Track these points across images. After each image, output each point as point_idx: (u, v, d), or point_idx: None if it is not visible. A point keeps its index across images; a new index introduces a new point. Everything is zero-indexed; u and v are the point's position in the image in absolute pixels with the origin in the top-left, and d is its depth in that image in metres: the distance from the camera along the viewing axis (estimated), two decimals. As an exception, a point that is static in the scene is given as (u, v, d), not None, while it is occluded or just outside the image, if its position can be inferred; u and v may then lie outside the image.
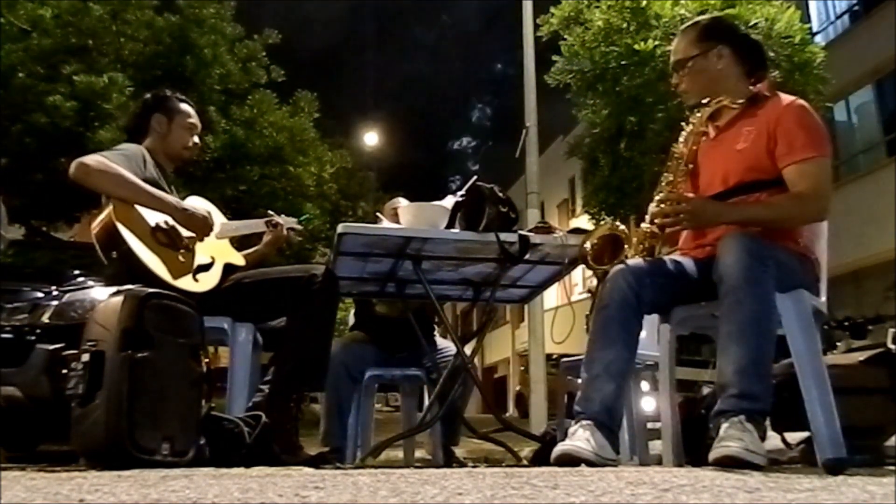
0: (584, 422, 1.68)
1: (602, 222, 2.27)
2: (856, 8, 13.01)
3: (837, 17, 13.29)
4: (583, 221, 13.30)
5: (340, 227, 2.22)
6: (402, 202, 3.36)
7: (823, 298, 1.91)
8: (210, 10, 9.11)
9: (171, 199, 2.25)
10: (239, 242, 2.61)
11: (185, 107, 2.54)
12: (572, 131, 15.54)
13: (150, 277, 2.01)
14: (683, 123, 2.05)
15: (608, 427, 1.68)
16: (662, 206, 1.86)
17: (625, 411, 1.90)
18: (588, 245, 1.90)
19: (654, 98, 8.11)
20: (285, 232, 2.66)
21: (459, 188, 2.41)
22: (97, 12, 7.96)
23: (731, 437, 1.47)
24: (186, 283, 2.15)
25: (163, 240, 2.17)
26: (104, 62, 7.91)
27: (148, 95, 2.59)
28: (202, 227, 2.27)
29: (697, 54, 2.04)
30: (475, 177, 2.30)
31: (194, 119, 2.55)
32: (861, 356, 2.75)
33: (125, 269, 2.06)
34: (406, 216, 2.32)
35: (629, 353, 1.78)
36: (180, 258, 2.20)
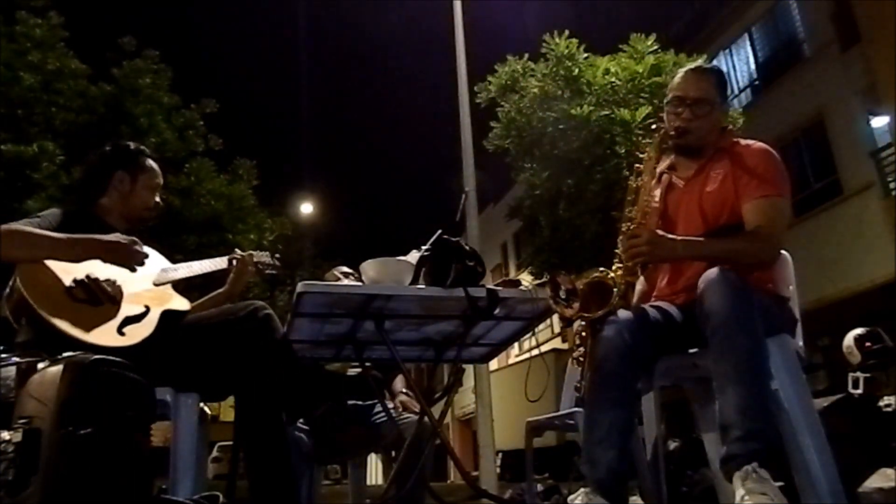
0: (588, 489, 1.63)
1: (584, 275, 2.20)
2: (756, 83, 14.04)
3: (741, 91, 14.26)
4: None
5: (300, 287, 2.10)
6: (343, 269, 3.27)
7: (801, 342, 1.91)
8: (146, 79, 9.03)
9: (86, 236, 2.03)
10: (202, 286, 2.44)
11: (150, 163, 2.38)
12: (507, 194, 15.90)
13: (61, 338, 1.82)
14: (637, 165, 2.06)
15: (615, 491, 1.63)
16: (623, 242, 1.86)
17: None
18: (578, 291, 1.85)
19: (591, 160, 8.39)
20: (252, 267, 2.50)
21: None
22: (27, 82, 7.75)
23: (753, 493, 1.41)
24: (108, 338, 1.95)
25: (80, 296, 1.98)
26: (34, 131, 7.65)
27: (108, 147, 2.41)
28: (129, 254, 2.06)
29: (718, 102, 2.08)
30: (440, 231, 2.24)
31: (160, 178, 2.40)
32: (823, 402, 2.77)
33: (35, 334, 1.89)
34: (369, 272, 2.22)
35: (630, 412, 1.75)
36: (103, 313, 2.00)
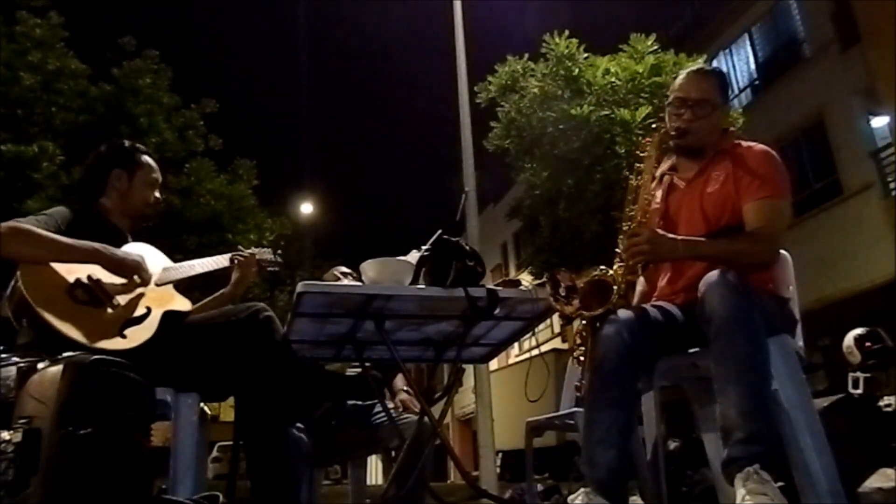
0: (588, 489, 1.63)
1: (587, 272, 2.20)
2: (756, 82, 14.05)
3: (741, 91, 14.26)
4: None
5: (300, 287, 2.09)
6: (342, 269, 3.27)
7: (801, 343, 1.91)
8: (146, 80, 9.04)
9: (96, 245, 2.04)
10: (203, 285, 2.42)
11: (146, 159, 2.39)
12: (507, 194, 15.90)
13: (62, 340, 1.82)
14: (637, 164, 2.06)
15: (615, 491, 1.63)
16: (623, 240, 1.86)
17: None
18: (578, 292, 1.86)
19: (591, 160, 8.39)
20: (255, 268, 2.50)
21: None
22: (27, 82, 7.76)
23: (754, 493, 1.41)
24: (109, 340, 1.94)
25: (82, 297, 1.97)
26: (34, 131, 7.65)
27: (103, 147, 2.41)
28: (134, 271, 2.07)
29: (720, 103, 2.08)
30: (440, 231, 2.23)
31: (157, 173, 2.40)
32: (823, 402, 2.76)
33: (36, 335, 1.88)
34: (369, 272, 2.21)
35: (630, 412, 1.75)
36: (104, 315, 1.99)
